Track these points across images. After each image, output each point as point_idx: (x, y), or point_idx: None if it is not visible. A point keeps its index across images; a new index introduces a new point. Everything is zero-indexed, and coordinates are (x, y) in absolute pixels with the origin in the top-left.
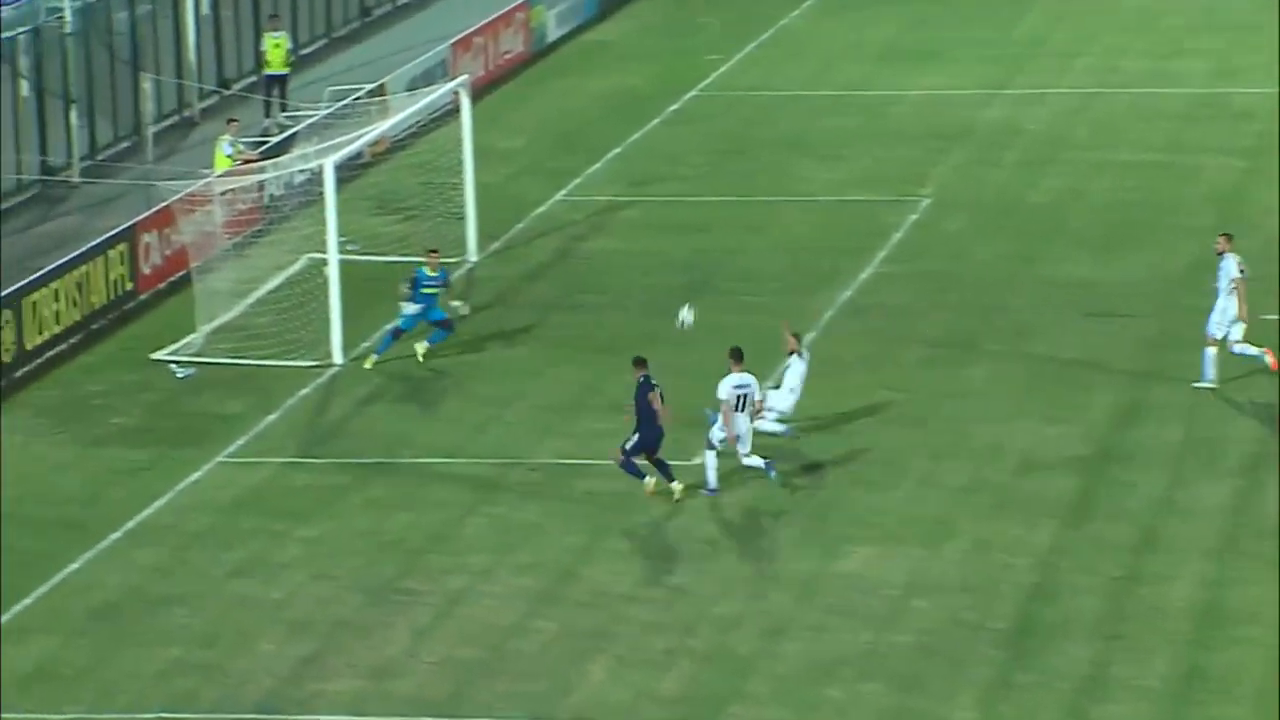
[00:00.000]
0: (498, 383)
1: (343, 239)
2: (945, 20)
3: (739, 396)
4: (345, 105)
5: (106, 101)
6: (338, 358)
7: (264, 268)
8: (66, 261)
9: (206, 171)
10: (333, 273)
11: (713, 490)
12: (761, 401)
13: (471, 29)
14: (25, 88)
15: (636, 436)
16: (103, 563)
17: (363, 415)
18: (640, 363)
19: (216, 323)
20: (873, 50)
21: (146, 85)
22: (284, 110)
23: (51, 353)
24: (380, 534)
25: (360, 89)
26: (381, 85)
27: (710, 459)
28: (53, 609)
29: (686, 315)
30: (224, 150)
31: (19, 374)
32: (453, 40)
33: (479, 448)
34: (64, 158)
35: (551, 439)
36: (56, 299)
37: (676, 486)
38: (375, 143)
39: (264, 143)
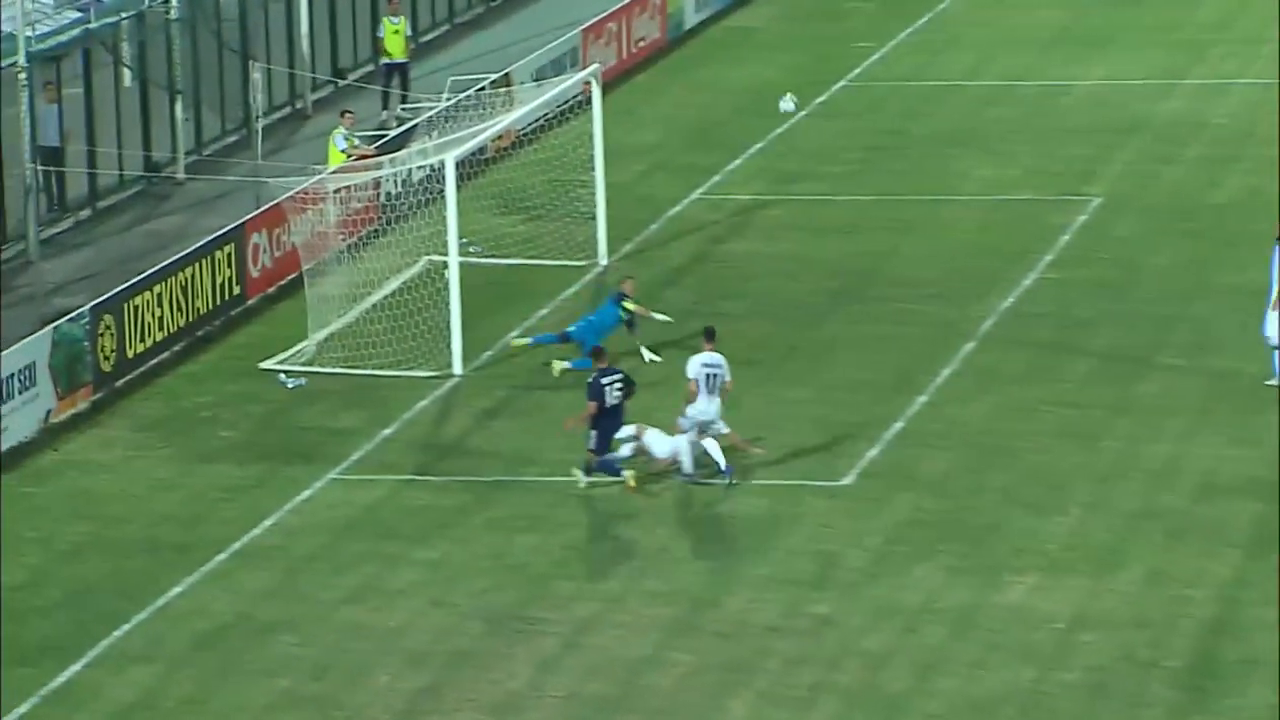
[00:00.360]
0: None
1: (464, 240)
2: (1119, 3)
3: (707, 375)
4: (468, 96)
5: (214, 92)
6: (458, 368)
7: (380, 271)
8: (170, 264)
9: (319, 167)
10: (453, 276)
11: (688, 474)
12: (730, 383)
13: (603, 14)
14: (128, 78)
15: (596, 433)
16: (207, 587)
17: (485, 430)
18: (598, 354)
19: (329, 330)
20: (1039, 37)
21: (256, 75)
22: (404, 102)
23: (154, 361)
24: (503, 558)
25: (484, 79)
26: (506, 75)
27: (683, 443)
28: (154, 636)
29: (788, 102)
30: (338, 145)
31: (119, 384)
32: (583, 26)
33: None
34: (168, 153)
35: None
36: (159, 304)
37: (627, 475)
38: (499, 137)
39: (381, 137)
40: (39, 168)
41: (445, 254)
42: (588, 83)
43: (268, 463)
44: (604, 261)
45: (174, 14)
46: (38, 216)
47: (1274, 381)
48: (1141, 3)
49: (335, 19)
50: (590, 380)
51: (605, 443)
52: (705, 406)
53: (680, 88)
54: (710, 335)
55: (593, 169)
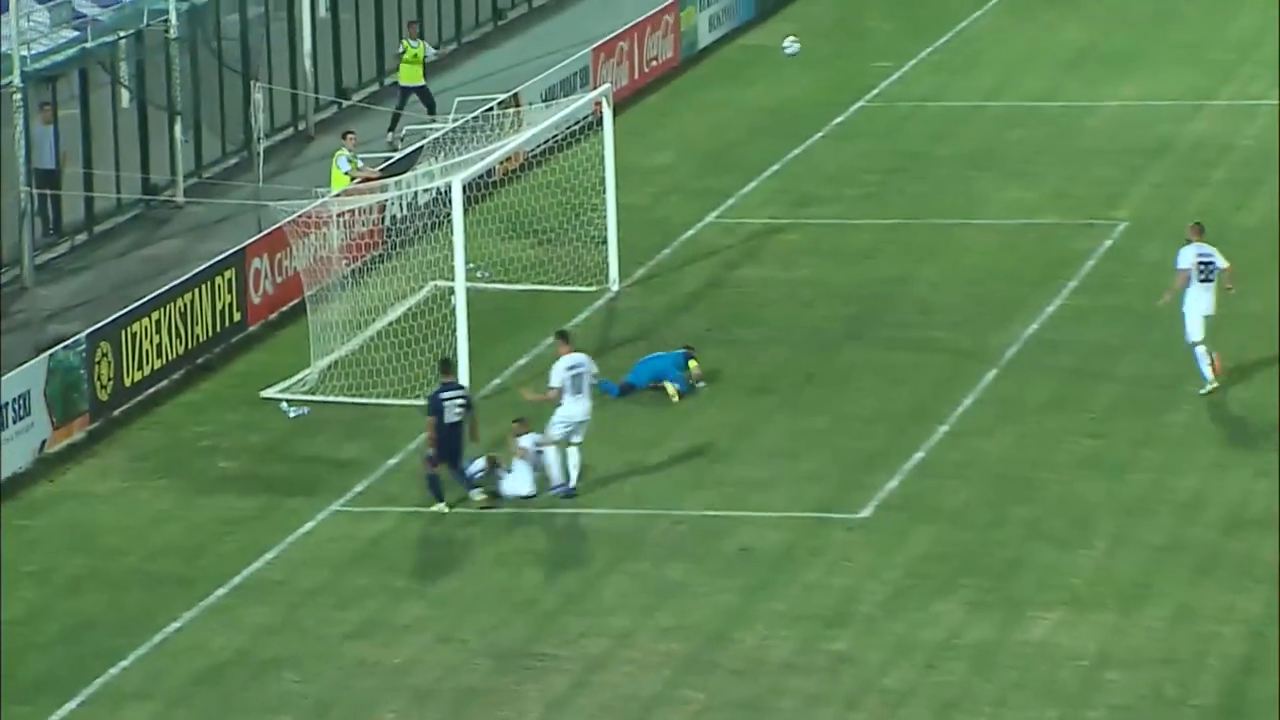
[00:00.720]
0: (640, 426)
1: (471, 265)
2: (1145, 22)
3: (572, 377)
4: (475, 117)
5: (214, 113)
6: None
7: (384, 297)
8: (169, 289)
9: (322, 190)
10: (460, 303)
11: (562, 486)
12: (597, 374)
13: (614, 33)
14: (126, 98)
15: (433, 451)
16: (207, 622)
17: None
18: (445, 367)
19: (332, 357)
20: (1063, 56)
21: (258, 95)
22: (429, 120)
23: (152, 390)
24: (512, 593)
25: (492, 99)
26: (515, 95)
27: (551, 454)
28: (152, 672)
29: (791, 44)
30: (341, 167)
31: (117, 413)
32: (594, 45)
33: (619, 498)
34: (167, 175)
35: (700, 489)
36: (158, 331)
37: (439, 506)
38: (508, 159)
39: (386, 159)
40: (34, 191)
41: (452, 279)
42: (598, 103)
43: (269, 494)
44: (615, 287)
45: (173, 33)
46: (33, 241)
47: (1207, 389)
48: (1168, 22)
49: (339, 38)
50: (431, 395)
51: (445, 457)
52: (573, 409)
53: (694, 108)
54: (565, 337)
55: (604, 192)
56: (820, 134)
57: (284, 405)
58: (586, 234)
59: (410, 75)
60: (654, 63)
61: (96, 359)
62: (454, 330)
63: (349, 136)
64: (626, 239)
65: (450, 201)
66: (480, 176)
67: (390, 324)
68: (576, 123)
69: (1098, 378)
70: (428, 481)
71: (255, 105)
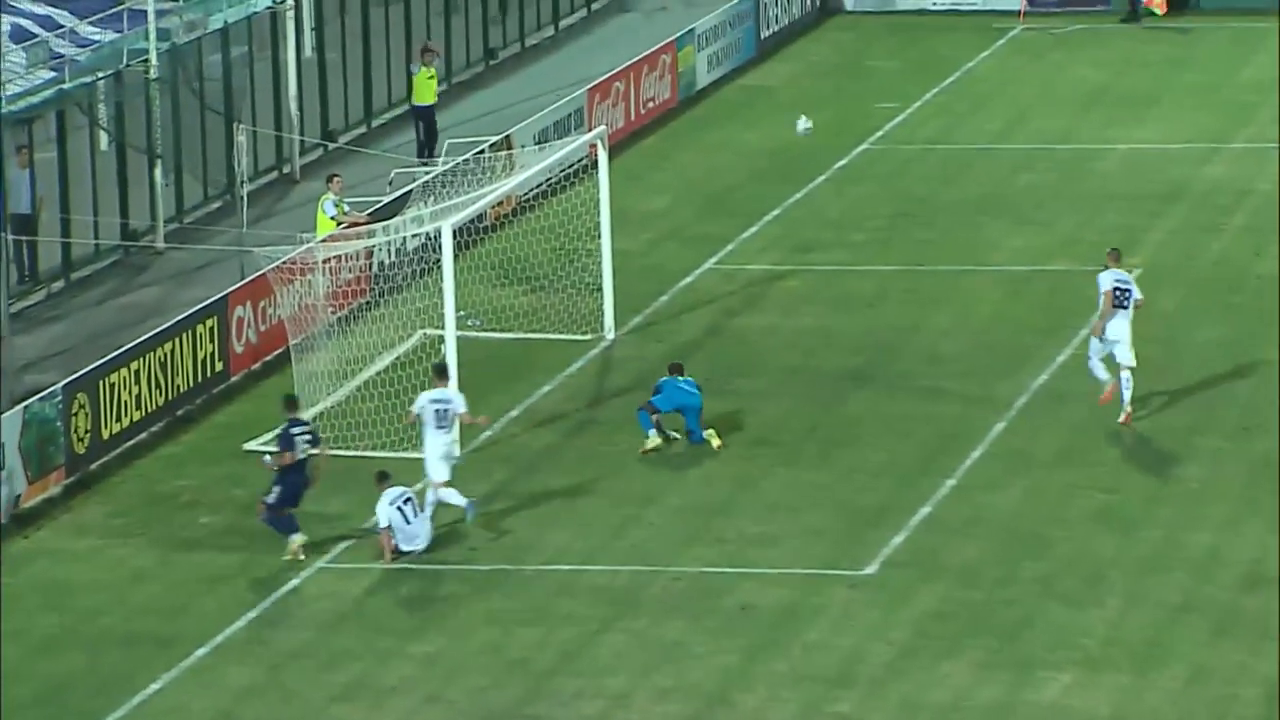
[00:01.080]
0: (637, 479)
1: (461, 313)
2: (1159, 62)
3: (435, 411)
4: (466, 160)
5: (195, 156)
6: (454, 450)
7: (372, 346)
8: (149, 339)
9: (308, 236)
10: (450, 352)
11: (468, 504)
12: (466, 414)
13: (610, 73)
14: (104, 141)
15: (279, 488)
16: (187, 684)
17: (482, 516)
18: (290, 403)
19: (318, 408)
20: (1074, 97)
21: (241, 138)
22: (431, 153)
23: (131, 442)
24: (503, 652)
25: (483, 141)
26: (507, 137)
27: (445, 491)
28: None
29: (804, 124)
30: (327, 211)
31: (94, 466)
32: (589, 86)
33: (615, 554)
34: (147, 220)
35: (699, 544)
36: (137, 381)
37: (296, 539)
38: (499, 203)
39: (375, 203)
40: (9, 236)
41: (441, 328)
42: (593, 145)
43: (251, 551)
44: (610, 335)
45: (153, 73)
46: (8, 288)
47: (1108, 389)
48: (1183, 63)
49: (325, 78)
50: (281, 430)
51: (288, 497)
52: (434, 442)
53: (692, 151)
54: (441, 373)
55: (599, 237)
56: (823, 177)
57: (267, 458)
58: (581, 281)
59: (425, 95)
60: (651, 104)
61: (73, 411)
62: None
63: (335, 180)
64: (622, 286)
65: (440, 247)
66: (471, 221)
67: (378, 374)
68: (571, 166)
69: (1109, 430)
70: (274, 524)
71: (238, 148)
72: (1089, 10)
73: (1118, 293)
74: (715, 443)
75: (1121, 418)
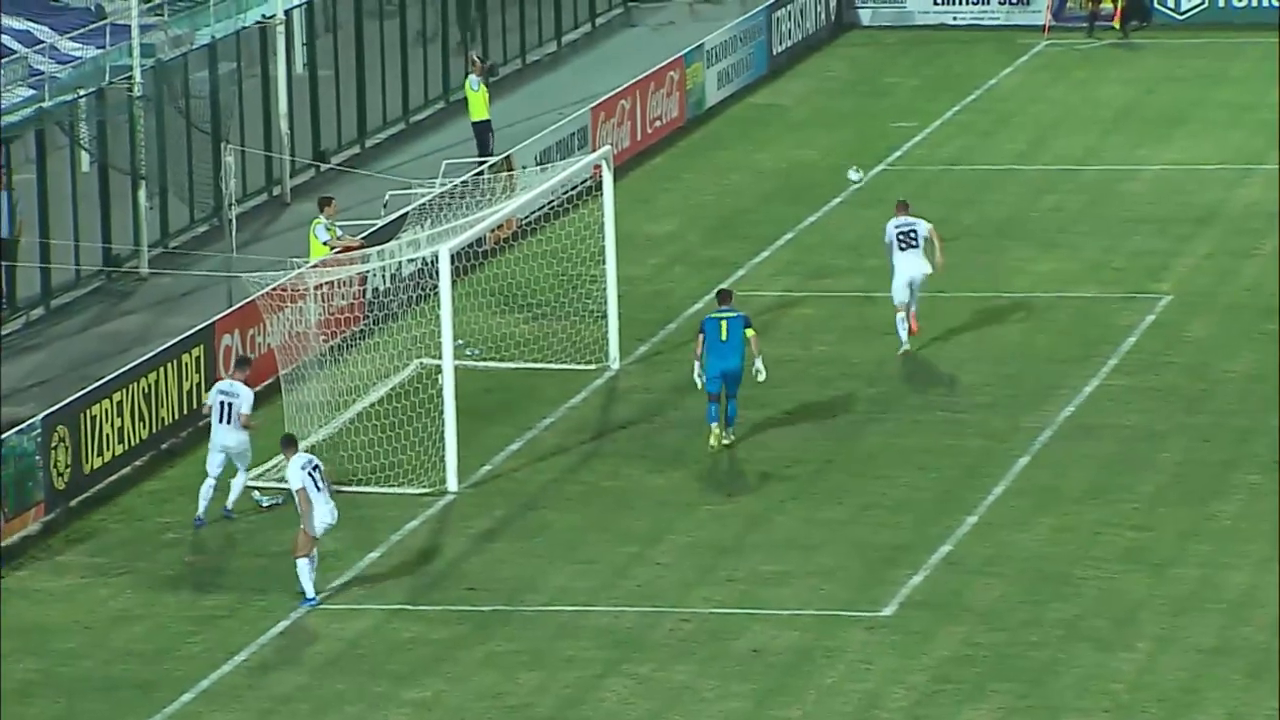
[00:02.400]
0: (643, 516)
1: (459, 342)
2: (1189, 80)
3: (221, 403)
4: (464, 181)
5: (181, 178)
6: (453, 484)
7: (366, 375)
8: (132, 368)
9: (299, 261)
10: (447, 382)
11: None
12: (246, 415)
13: (615, 91)
14: (86, 161)
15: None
16: None
17: (482, 554)
18: (289, 443)
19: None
20: (1101, 116)
21: (229, 159)
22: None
23: (113, 477)
24: (503, 697)
25: (483, 162)
26: (508, 158)
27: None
28: None
29: (856, 175)
30: (319, 236)
31: (74, 503)
32: (593, 105)
33: (620, 594)
34: (130, 245)
35: (707, 585)
36: (119, 414)
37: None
38: (499, 226)
39: (370, 226)
40: None
41: (438, 357)
42: (598, 166)
43: (239, 591)
44: (615, 365)
45: (137, 91)
46: None
47: (902, 350)
48: (1214, 81)
49: (317, 96)
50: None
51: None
52: (222, 438)
53: (700, 172)
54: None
55: (603, 262)
56: (838, 199)
57: (256, 494)
58: (584, 308)
59: (474, 111)
60: (658, 123)
61: (53, 444)
62: (441, 412)
63: (330, 204)
64: (627, 313)
65: (437, 272)
66: (470, 245)
67: (372, 405)
68: (574, 187)
69: (1140, 464)
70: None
71: (226, 169)
72: (1108, 25)
73: (901, 235)
74: (716, 442)
75: (911, 326)
